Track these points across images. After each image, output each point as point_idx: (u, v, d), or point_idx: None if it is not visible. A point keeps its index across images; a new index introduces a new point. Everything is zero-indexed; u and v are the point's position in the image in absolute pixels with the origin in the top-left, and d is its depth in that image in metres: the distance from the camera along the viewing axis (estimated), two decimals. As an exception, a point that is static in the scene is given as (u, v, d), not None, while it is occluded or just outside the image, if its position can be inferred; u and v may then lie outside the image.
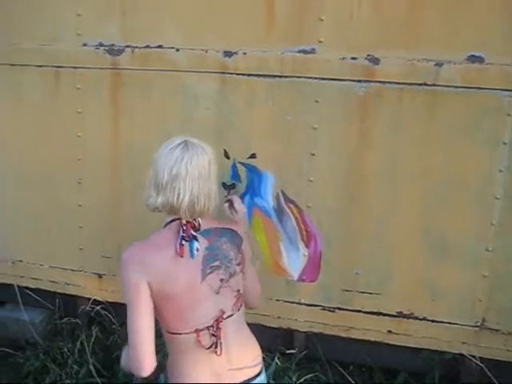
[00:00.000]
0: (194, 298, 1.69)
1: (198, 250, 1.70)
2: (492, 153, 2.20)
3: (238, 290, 1.80)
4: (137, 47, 2.45)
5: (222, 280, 1.74)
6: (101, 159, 2.60)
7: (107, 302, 2.71)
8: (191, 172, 1.67)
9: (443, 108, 2.20)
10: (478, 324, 2.34)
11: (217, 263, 1.75)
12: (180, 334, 1.70)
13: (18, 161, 2.75)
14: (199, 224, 1.76)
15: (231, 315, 1.76)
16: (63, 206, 2.70)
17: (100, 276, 2.71)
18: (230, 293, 1.77)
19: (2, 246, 2.84)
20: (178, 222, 1.73)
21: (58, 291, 2.82)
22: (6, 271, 2.87)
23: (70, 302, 2.84)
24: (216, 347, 1.70)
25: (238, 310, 1.80)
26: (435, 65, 2.17)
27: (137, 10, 2.43)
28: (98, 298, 2.72)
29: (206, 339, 1.69)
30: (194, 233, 1.72)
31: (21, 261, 2.84)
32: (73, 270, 2.77)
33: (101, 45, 2.50)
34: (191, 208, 1.69)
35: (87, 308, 2.71)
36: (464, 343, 2.38)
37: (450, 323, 2.37)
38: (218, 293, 1.73)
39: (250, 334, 1.87)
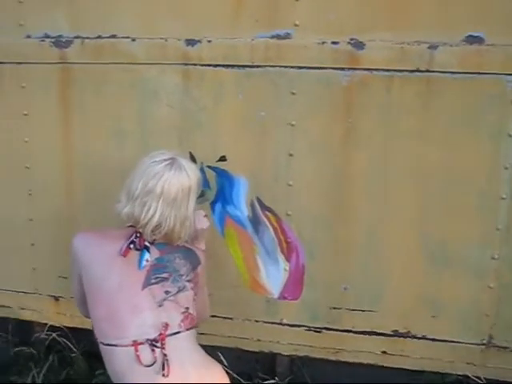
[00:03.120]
0: (131, 303, 1.59)
1: (147, 260, 1.64)
2: (496, 147, 1.92)
3: (187, 308, 1.64)
4: (87, 38, 2.14)
5: (167, 292, 1.64)
6: (52, 167, 2.29)
7: (65, 327, 2.41)
8: (166, 193, 1.62)
9: (439, 97, 1.92)
10: (485, 342, 2.06)
11: (165, 275, 1.66)
12: (116, 345, 1.54)
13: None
14: (154, 240, 1.68)
15: (178, 332, 1.58)
16: (12, 220, 2.38)
17: (56, 299, 2.40)
18: (176, 308, 1.63)
19: None
20: (134, 228, 1.68)
21: (11, 317, 2.50)
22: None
23: (26, 328, 2.53)
24: (163, 368, 1.49)
25: (188, 329, 1.62)
26: (428, 48, 1.88)
27: (85, -7, 2.13)
28: (55, 324, 2.42)
29: (146, 355, 1.51)
30: (146, 243, 1.66)
31: (-31, 284, 2.53)
32: (26, 293, 2.45)
33: (46, 36, 2.18)
34: (156, 230, 1.64)
35: (43, 335, 2.40)
36: (469, 363, 2.10)
37: (452, 342, 2.08)
38: (161, 305, 1.60)
39: (209, 357, 1.66)
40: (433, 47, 1.88)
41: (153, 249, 1.66)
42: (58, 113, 2.24)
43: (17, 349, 2.43)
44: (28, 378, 2.29)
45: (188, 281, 1.68)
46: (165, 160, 1.65)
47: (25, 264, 2.43)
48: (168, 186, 1.61)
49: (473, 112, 1.90)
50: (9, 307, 2.49)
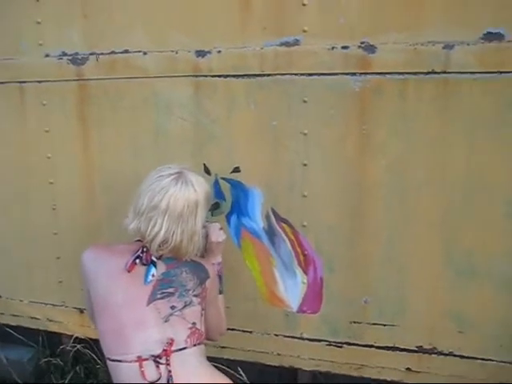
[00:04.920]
0: (136, 318, 1.58)
1: (153, 275, 1.63)
2: (523, 151, 1.78)
3: (194, 323, 1.62)
4: (102, 54, 2.15)
5: (173, 307, 1.62)
6: (74, 181, 2.32)
7: (90, 339, 2.43)
8: (172, 208, 1.60)
9: (458, 100, 1.79)
10: (519, 360, 1.93)
11: (171, 290, 1.64)
12: (120, 361, 1.55)
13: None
14: (162, 255, 1.67)
15: (184, 348, 1.57)
16: (38, 234, 2.44)
17: (81, 311, 2.43)
18: (183, 324, 1.62)
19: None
20: (141, 243, 1.67)
21: (40, 328, 2.56)
22: (-15, 308, 2.63)
23: (55, 339, 2.58)
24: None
25: (195, 345, 1.59)
26: (444, 47, 1.76)
27: (99, 11, 2.13)
28: (80, 336, 2.46)
29: (151, 371, 1.51)
30: (153, 258, 1.63)
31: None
32: (53, 305, 2.50)
33: (64, 54, 2.21)
34: (163, 246, 1.63)
35: (69, 346, 2.44)
36: (502, 384, 1.96)
37: (482, 359, 1.95)
38: (166, 321, 1.59)
39: (218, 372, 1.63)
40: (448, 47, 1.75)
41: (160, 263, 1.65)
42: (77, 129, 2.26)
43: (44, 359, 2.49)
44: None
45: (195, 295, 1.65)
46: (171, 174, 1.64)
47: (51, 277, 2.48)
48: (173, 201, 1.59)
49: (496, 115, 1.76)
50: (38, 319, 2.55)
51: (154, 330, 1.56)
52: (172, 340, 1.56)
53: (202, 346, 1.66)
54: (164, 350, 1.53)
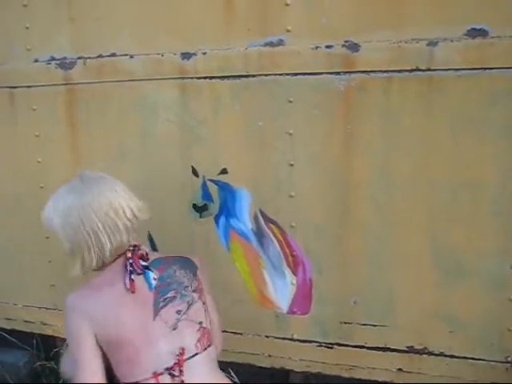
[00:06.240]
0: (147, 338, 1.49)
1: (155, 279, 1.55)
2: (509, 148, 1.74)
3: (201, 323, 1.57)
4: (89, 58, 2.16)
5: (178, 312, 1.54)
6: (64, 185, 2.32)
7: (83, 342, 2.43)
8: (99, 210, 1.52)
9: (442, 97, 1.77)
10: (509, 359, 1.89)
11: (171, 293, 1.56)
12: (137, 382, 1.47)
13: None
14: (147, 253, 1.60)
15: (196, 354, 1.52)
16: (30, 238, 2.44)
17: (74, 314, 2.43)
18: (191, 326, 1.55)
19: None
20: (122, 256, 1.57)
21: (35, 332, 2.57)
22: (-21, 312, 2.64)
23: (49, 342, 2.59)
24: None
25: (205, 348, 1.55)
26: (428, 45, 1.74)
27: (85, 15, 2.14)
28: (74, 339, 2.45)
29: (167, 382, 1.46)
30: (144, 263, 1.56)
31: (-6, 300, 2.63)
32: (47, 309, 2.51)
33: (52, 59, 2.22)
34: (129, 236, 1.56)
35: (62, 349, 2.44)
36: None
37: (473, 359, 1.93)
38: (175, 328, 1.52)
39: (225, 379, 1.60)
40: (432, 44, 1.74)
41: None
42: (66, 133, 2.27)
43: (39, 363, 2.50)
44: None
45: (194, 291, 1.60)
46: (67, 192, 1.65)
47: (44, 280, 2.49)
48: (97, 205, 1.54)
49: (481, 111, 1.74)
50: (32, 322, 2.56)
51: (165, 343, 1.50)
52: (183, 349, 1.51)
53: (213, 347, 1.60)
54: (177, 361, 1.48)
